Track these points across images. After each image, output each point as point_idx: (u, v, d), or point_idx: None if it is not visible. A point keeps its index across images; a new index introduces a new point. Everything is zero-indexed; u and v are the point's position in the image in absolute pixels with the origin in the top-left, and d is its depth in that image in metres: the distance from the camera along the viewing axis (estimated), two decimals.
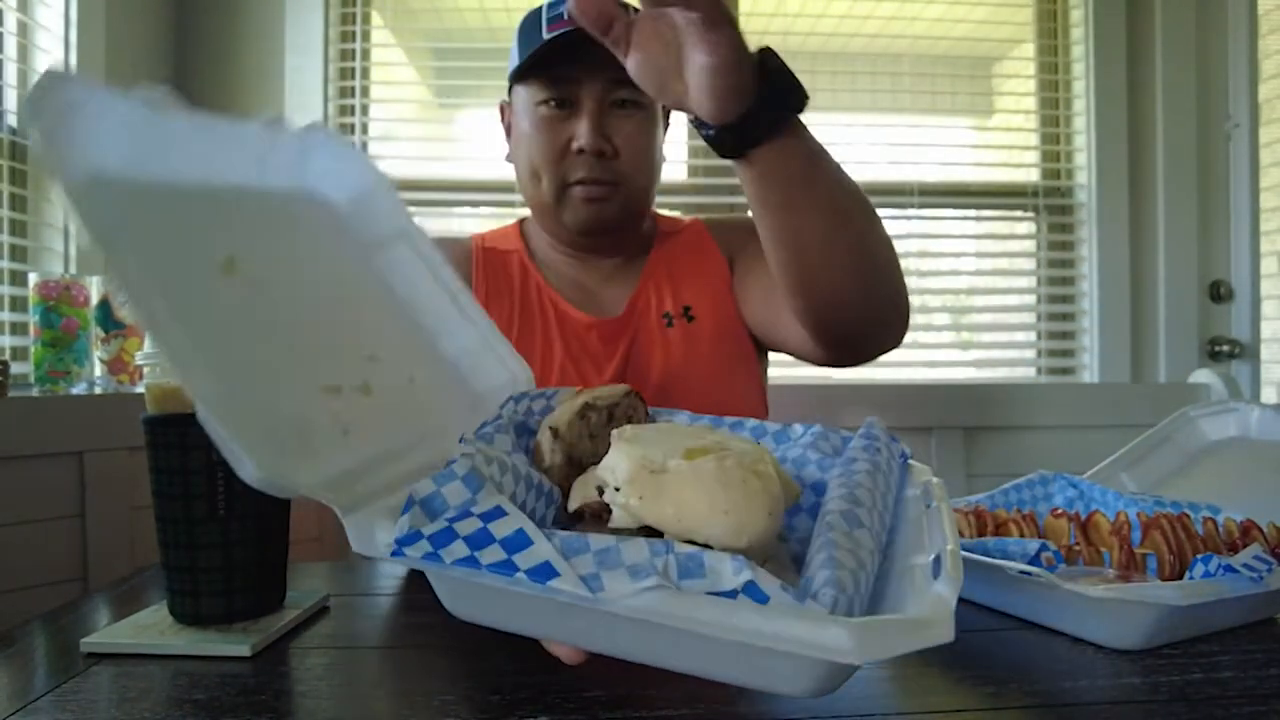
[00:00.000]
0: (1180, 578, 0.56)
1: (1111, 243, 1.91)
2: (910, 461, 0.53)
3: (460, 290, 0.57)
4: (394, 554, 0.35)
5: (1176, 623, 0.49)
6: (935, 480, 0.48)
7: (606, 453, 0.43)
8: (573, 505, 0.45)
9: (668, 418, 0.58)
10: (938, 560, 0.37)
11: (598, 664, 0.38)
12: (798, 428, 0.56)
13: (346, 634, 0.54)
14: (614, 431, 0.45)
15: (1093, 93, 1.91)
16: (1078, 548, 0.59)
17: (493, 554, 0.35)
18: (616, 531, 0.40)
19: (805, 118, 0.62)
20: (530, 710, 0.41)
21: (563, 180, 0.94)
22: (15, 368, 1.29)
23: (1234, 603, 0.51)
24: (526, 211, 1.07)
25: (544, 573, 0.34)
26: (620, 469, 0.41)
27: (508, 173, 1.04)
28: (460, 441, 0.41)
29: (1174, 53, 1.92)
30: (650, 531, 0.40)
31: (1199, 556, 0.55)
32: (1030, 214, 1.98)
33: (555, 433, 0.49)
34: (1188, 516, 0.60)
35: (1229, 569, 0.52)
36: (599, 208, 0.94)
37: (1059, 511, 0.64)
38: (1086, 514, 0.64)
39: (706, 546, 0.38)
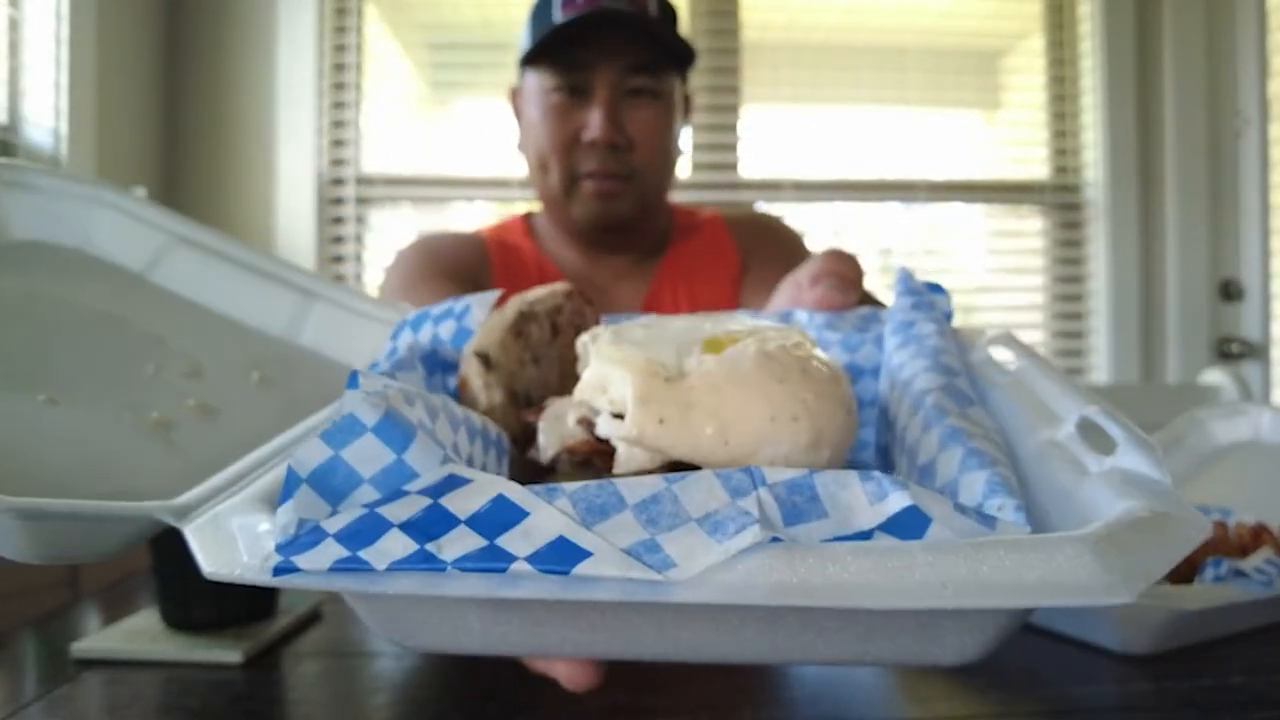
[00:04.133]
0: (1190, 581, 0.55)
1: (1121, 240, 1.90)
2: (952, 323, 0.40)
3: (289, 271, 0.50)
4: (278, 571, 0.22)
5: (1186, 628, 0.48)
6: (1002, 332, 0.36)
7: (561, 379, 0.32)
8: (547, 454, 0.31)
9: (631, 320, 0.38)
10: (1085, 424, 0.26)
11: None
12: (801, 314, 0.45)
13: (339, 640, 0.53)
14: (582, 338, 0.33)
15: (1102, 88, 1.89)
16: None
17: (460, 542, 0.22)
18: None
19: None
20: (525, 719, 0.41)
21: (572, 172, 0.90)
22: None
23: (1245, 607, 0.50)
24: (526, 207, 1.06)
25: (559, 555, 0.21)
26: (618, 385, 0.28)
27: (504, 168, 1.02)
28: (352, 380, 0.25)
29: (1183, 48, 1.90)
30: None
31: (1209, 560, 0.54)
32: (1038, 210, 1.96)
33: (486, 361, 0.36)
34: None
35: (1239, 573, 0.52)
36: (610, 203, 0.91)
37: None
38: None
39: None
